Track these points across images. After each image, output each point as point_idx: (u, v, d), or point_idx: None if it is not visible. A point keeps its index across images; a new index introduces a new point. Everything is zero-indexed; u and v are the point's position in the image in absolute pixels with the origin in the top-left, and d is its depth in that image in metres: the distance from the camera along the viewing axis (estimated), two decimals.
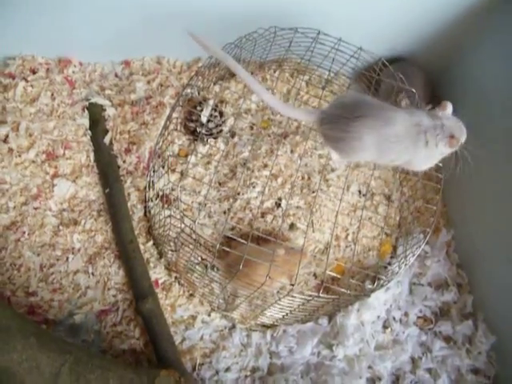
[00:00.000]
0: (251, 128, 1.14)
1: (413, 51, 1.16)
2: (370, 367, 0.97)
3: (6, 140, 1.03)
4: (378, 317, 1.01)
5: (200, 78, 0.99)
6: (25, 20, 1.03)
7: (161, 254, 1.03)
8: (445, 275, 1.07)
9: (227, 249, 0.83)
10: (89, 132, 1.11)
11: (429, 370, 0.99)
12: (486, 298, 1.04)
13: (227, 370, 0.96)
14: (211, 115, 1.09)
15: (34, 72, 1.13)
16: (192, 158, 1.08)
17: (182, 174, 1.06)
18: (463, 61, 1.17)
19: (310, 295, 0.81)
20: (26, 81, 1.10)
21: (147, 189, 1.03)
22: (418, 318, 1.04)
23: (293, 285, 0.76)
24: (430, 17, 1.07)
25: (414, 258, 0.90)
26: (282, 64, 1.19)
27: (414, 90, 0.96)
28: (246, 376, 0.96)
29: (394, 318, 1.02)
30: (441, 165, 0.92)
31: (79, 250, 1.00)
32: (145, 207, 1.06)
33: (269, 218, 1.04)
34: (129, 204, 1.05)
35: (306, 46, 1.03)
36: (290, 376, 0.94)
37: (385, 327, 1.02)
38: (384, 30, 1.07)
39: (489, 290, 1.04)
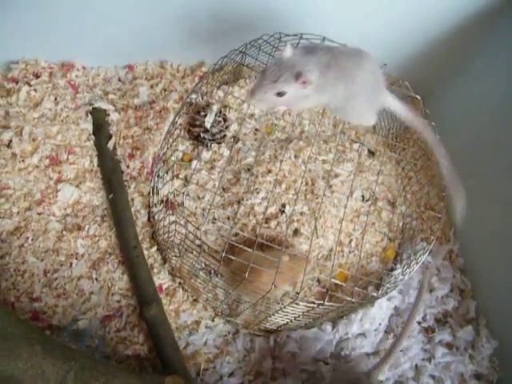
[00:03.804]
0: (255, 133, 1.13)
1: (404, 68, 1.17)
2: None
3: (9, 145, 1.03)
4: (381, 324, 1.01)
5: (204, 82, 0.99)
6: (28, 24, 1.03)
7: (165, 260, 1.03)
8: (448, 281, 1.08)
9: (231, 256, 0.83)
10: (92, 137, 1.11)
11: (432, 377, 0.99)
12: (488, 303, 1.05)
13: (231, 374, 0.96)
14: (215, 120, 1.08)
15: (37, 76, 1.12)
16: (196, 164, 1.08)
17: (186, 179, 1.06)
18: (451, 81, 1.19)
19: (314, 302, 0.81)
20: (29, 85, 1.10)
21: (151, 194, 1.03)
22: (421, 324, 1.04)
23: (298, 293, 0.76)
24: (424, 33, 1.10)
25: (418, 265, 0.90)
26: None
27: None
28: (250, 381, 0.96)
29: (396, 325, 1.02)
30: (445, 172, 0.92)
31: (83, 255, 1.00)
32: (148, 212, 1.05)
33: (273, 223, 1.04)
34: (132, 209, 1.05)
35: None
36: (293, 381, 0.95)
37: (387, 334, 1.02)
38: (388, 37, 1.08)
39: (492, 296, 1.04)
